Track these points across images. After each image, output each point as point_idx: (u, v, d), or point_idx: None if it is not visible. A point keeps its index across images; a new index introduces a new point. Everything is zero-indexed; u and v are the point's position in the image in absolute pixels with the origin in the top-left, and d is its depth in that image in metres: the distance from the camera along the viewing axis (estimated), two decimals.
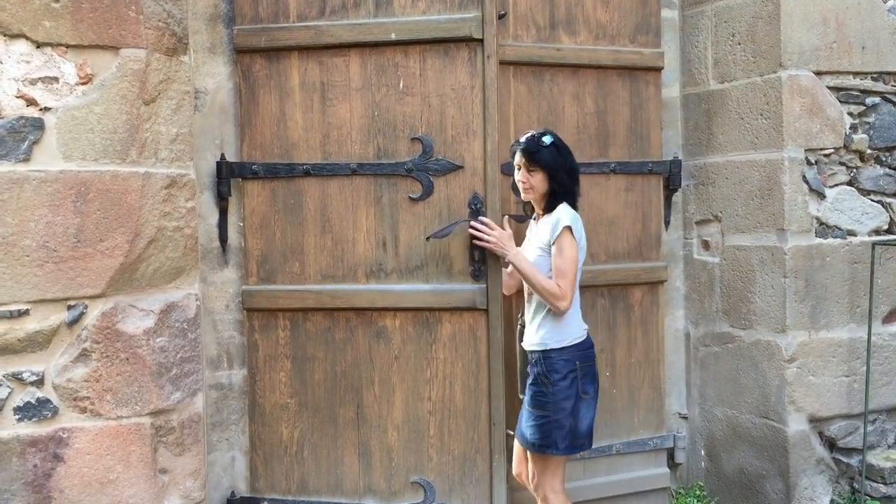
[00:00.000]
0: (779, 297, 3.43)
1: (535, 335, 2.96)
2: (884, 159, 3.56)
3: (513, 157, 2.99)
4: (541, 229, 2.97)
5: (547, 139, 2.92)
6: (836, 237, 3.48)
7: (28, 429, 2.44)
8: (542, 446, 2.92)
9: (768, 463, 3.50)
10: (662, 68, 3.72)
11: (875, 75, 3.51)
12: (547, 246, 2.91)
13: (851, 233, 3.51)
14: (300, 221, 3.22)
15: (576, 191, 3.01)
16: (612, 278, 3.62)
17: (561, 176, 2.93)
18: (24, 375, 2.42)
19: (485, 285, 3.13)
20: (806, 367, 3.43)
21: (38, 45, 2.40)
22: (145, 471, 2.57)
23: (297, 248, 3.23)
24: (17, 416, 2.42)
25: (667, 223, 3.81)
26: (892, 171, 3.57)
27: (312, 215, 3.22)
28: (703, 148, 3.77)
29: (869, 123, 3.52)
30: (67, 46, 2.43)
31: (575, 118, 3.55)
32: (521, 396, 3.07)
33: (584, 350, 2.97)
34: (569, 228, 2.87)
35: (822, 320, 3.45)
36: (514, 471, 3.16)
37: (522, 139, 2.96)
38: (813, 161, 3.44)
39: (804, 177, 3.42)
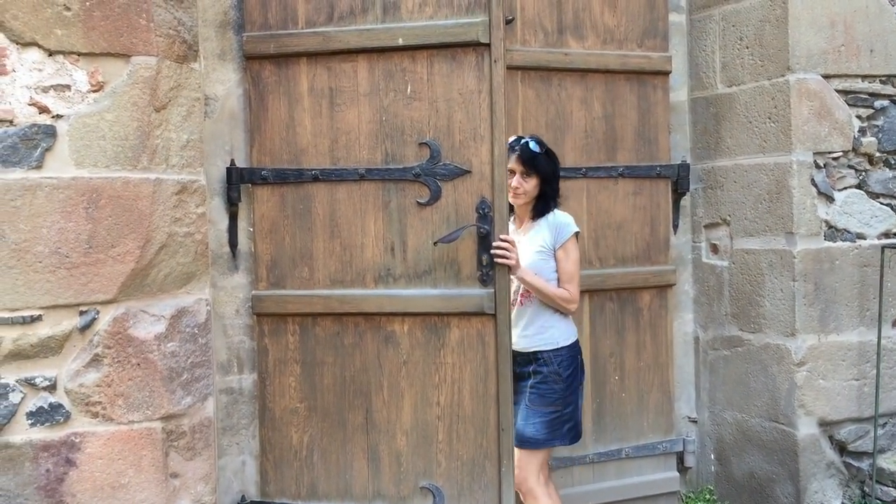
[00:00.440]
0: (788, 301, 3.42)
1: (543, 335, 3.11)
2: (892, 162, 3.56)
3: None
4: (536, 232, 3.12)
5: (536, 145, 3.04)
6: (845, 240, 3.47)
7: (41, 434, 2.45)
8: (549, 440, 3.11)
9: (778, 467, 3.49)
10: (670, 72, 3.73)
11: (883, 78, 3.51)
12: (550, 249, 3.07)
13: (861, 236, 3.50)
14: (309, 226, 3.23)
15: (558, 195, 3.21)
16: (620, 282, 3.63)
17: (552, 181, 3.13)
18: (37, 381, 2.44)
19: (493, 290, 3.13)
20: (816, 371, 3.42)
21: (51, 53, 2.43)
22: (156, 475, 2.58)
23: (306, 254, 3.24)
24: (29, 421, 2.44)
25: (675, 227, 3.81)
26: None
27: (321, 220, 3.23)
28: (711, 151, 3.77)
29: (877, 126, 3.52)
30: (79, 54, 2.45)
31: (583, 122, 3.55)
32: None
33: (578, 345, 3.20)
34: (576, 234, 3.08)
35: (832, 324, 3.45)
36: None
37: (515, 144, 3.05)
38: (821, 164, 3.44)
39: (813, 180, 3.42)
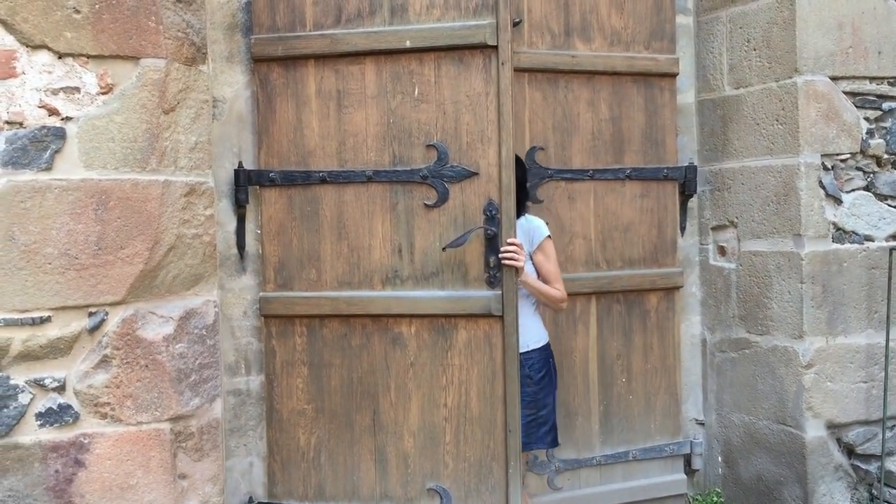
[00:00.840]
0: (796, 303, 3.41)
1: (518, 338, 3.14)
2: None
3: None
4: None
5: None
6: (853, 242, 3.46)
7: (50, 434, 2.46)
8: (527, 444, 3.15)
9: (786, 469, 3.49)
10: (677, 74, 3.72)
11: (892, 80, 3.50)
12: (525, 252, 3.09)
13: (868, 238, 3.49)
14: (316, 228, 3.24)
15: (528, 199, 3.36)
16: (627, 284, 3.63)
17: (521, 187, 3.20)
18: (46, 381, 2.45)
19: (500, 292, 3.13)
20: (823, 373, 3.41)
21: (60, 56, 2.44)
22: (165, 476, 2.59)
23: (314, 255, 3.25)
24: (38, 422, 2.45)
25: (682, 229, 3.80)
26: None
27: (329, 222, 3.24)
28: (718, 153, 3.77)
29: (885, 128, 3.51)
30: (88, 57, 2.46)
31: (590, 124, 3.56)
32: None
33: (549, 348, 3.26)
34: (550, 237, 3.19)
35: (840, 326, 3.44)
36: None
37: None
38: (829, 166, 3.43)
39: (821, 182, 3.41)
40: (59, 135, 2.43)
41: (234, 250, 3.24)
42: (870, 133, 3.49)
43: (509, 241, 3.02)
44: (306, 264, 3.25)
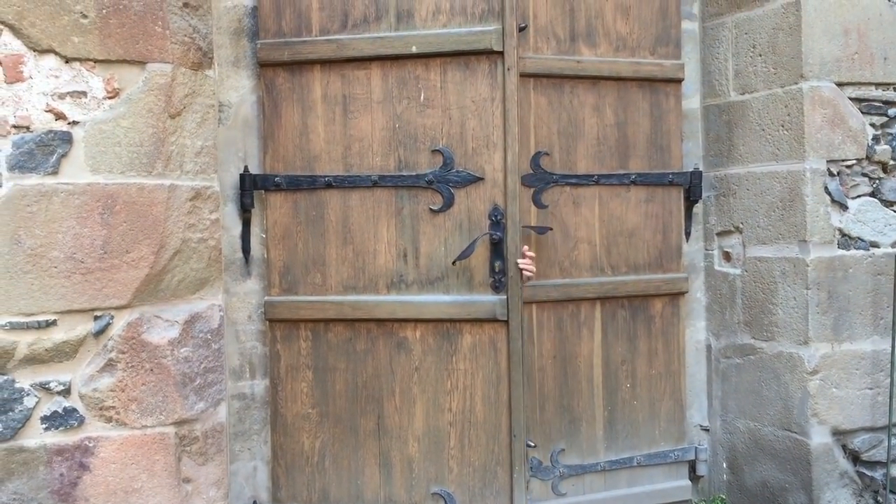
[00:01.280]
0: (801, 309, 3.41)
1: None
2: None
3: None
4: None
5: None
6: (858, 249, 3.46)
7: (55, 438, 2.47)
8: None
9: (791, 476, 3.48)
10: (683, 80, 3.72)
11: None
12: None
13: (874, 244, 3.49)
14: (322, 233, 3.25)
15: None
16: (632, 289, 3.62)
17: None
18: (52, 385, 2.46)
19: (505, 296, 3.13)
20: (829, 380, 3.40)
21: (67, 60, 2.45)
22: (169, 480, 2.60)
23: (319, 260, 3.25)
24: (44, 426, 2.46)
25: (687, 234, 3.80)
26: None
27: (334, 227, 3.24)
28: (723, 159, 3.77)
29: (891, 134, 3.50)
30: (95, 61, 2.47)
31: (595, 130, 3.55)
32: None
33: None
34: None
35: (845, 332, 3.43)
36: None
37: None
38: (835, 172, 3.43)
39: (826, 188, 3.41)
40: (66, 139, 2.44)
41: (240, 254, 3.25)
42: (875, 139, 3.49)
43: (525, 250, 3.04)
44: (311, 269, 3.25)
